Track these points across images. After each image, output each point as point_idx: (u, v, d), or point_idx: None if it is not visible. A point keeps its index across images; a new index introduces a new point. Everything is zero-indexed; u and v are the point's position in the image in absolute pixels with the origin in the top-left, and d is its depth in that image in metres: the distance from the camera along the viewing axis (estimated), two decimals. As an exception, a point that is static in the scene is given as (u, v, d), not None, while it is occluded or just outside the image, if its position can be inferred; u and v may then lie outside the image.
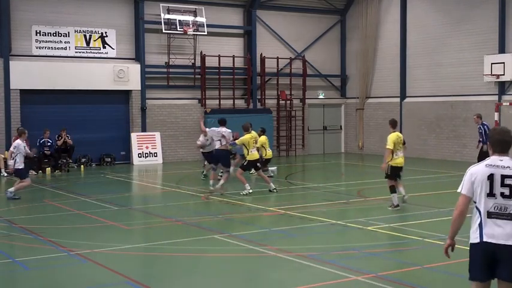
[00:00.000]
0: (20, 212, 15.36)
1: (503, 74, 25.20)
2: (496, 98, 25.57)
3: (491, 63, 25.54)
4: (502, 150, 5.93)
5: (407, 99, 30.13)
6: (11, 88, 25.64)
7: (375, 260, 10.13)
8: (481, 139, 19.69)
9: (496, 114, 21.86)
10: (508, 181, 5.76)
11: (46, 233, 12.39)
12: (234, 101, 30.69)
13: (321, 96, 33.17)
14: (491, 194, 5.81)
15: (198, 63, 29.65)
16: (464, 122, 27.07)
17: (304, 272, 9.46)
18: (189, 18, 28.85)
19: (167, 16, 28.40)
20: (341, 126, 33.81)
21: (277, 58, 31.49)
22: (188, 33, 28.68)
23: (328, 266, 9.62)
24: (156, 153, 28.03)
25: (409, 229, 12.40)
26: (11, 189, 17.01)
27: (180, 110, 29.23)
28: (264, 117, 29.46)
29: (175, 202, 16.51)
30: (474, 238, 5.93)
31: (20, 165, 17.05)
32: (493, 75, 25.46)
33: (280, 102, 31.81)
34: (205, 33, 29.12)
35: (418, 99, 29.44)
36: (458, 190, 6.08)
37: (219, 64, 29.98)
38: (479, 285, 5.94)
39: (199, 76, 29.74)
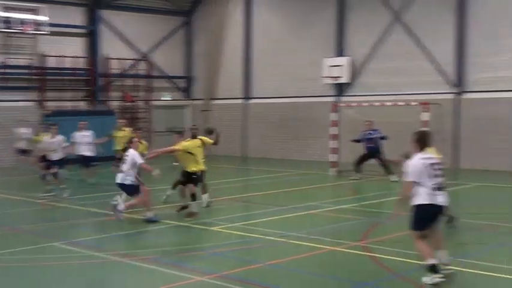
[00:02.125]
0: None
1: (341, 77, 26.49)
2: (334, 99, 26.73)
3: (329, 66, 26.75)
4: (426, 146, 8.41)
5: (252, 101, 30.75)
6: None
7: (219, 259, 10.18)
8: (368, 144, 20.28)
9: (334, 114, 22.86)
10: (437, 166, 8.37)
11: None
12: (74, 103, 29.67)
13: (165, 98, 33.01)
14: (431, 176, 8.25)
15: (37, 64, 28.41)
16: (306, 123, 28.07)
17: (149, 275, 9.31)
18: (29, 16, 27.52)
19: (3, 14, 26.89)
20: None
21: (122, 59, 30.94)
22: (27, 32, 27.37)
23: (172, 268, 9.54)
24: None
25: (253, 228, 12.61)
26: None
27: (19, 112, 27.66)
28: (108, 119, 28.75)
29: (12, 209, 15.65)
30: (423, 200, 8.25)
31: None
32: (331, 77, 26.66)
33: (125, 104, 31.26)
34: (46, 32, 27.92)
35: (263, 101, 30.14)
36: (408, 179, 8.26)
37: (60, 65, 28.91)
38: (423, 234, 8.35)
39: (39, 77, 28.50)
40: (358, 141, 20.77)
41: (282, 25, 29.50)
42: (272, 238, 11.53)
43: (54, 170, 17.48)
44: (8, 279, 9.17)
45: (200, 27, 33.22)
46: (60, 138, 18.11)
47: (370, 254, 10.21)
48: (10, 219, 14.35)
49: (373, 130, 20.46)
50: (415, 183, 8.22)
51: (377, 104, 22.60)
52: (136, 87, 31.64)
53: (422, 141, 8.40)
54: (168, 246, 11.30)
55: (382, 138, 20.28)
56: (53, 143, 17.80)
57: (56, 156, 17.74)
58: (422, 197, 8.24)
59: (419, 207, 8.28)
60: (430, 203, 8.25)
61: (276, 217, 13.91)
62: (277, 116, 29.48)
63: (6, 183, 21.58)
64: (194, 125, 16.57)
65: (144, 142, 16.78)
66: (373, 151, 20.34)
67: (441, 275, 8.19)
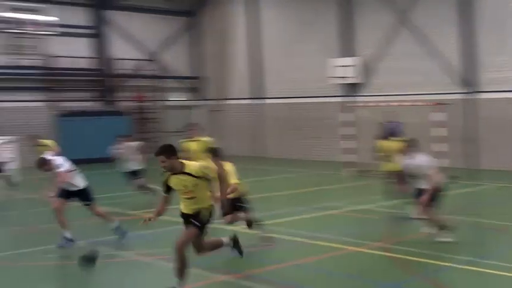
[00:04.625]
0: None
1: (349, 77, 26.35)
2: (344, 99, 26.61)
3: (337, 66, 26.55)
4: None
5: (262, 101, 30.64)
6: None
7: (243, 259, 10.10)
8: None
9: (343, 114, 22.77)
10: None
11: None
12: (85, 104, 29.71)
13: (175, 98, 32.99)
14: None
15: (46, 64, 28.44)
16: (318, 123, 27.96)
17: (168, 274, 9.25)
18: (35, 17, 27.58)
19: (11, 15, 26.93)
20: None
21: (130, 59, 30.94)
22: (35, 32, 27.40)
23: (196, 267, 9.47)
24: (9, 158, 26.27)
25: (273, 228, 12.49)
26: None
27: (30, 113, 27.75)
28: (118, 119, 28.79)
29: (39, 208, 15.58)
30: None
31: None
32: (338, 77, 26.51)
33: (134, 104, 31.24)
34: (55, 33, 27.98)
35: (272, 101, 30.02)
36: None
37: (69, 65, 28.93)
38: None
39: (48, 77, 28.54)
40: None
41: (290, 24, 29.34)
42: (293, 238, 11.46)
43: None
44: (34, 276, 9.16)
45: (207, 27, 33.18)
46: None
47: (392, 255, 10.11)
48: (37, 218, 14.43)
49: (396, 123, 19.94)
50: None
51: (383, 104, 22.45)
52: (145, 88, 31.62)
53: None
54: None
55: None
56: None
57: None
58: None
59: None
60: None
61: (296, 217, 13.83)
62: (288, 116, 29.36)
63: (29, 183, 21.56)
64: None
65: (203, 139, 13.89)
66: None
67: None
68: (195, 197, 7.94)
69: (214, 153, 10.43)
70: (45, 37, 28.22)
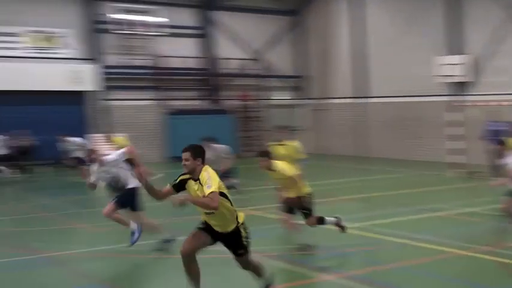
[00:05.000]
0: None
1: (457, 75, 25.65)
2: (451, 98, 25.96)
3: (443, 64, 25.91)
4: None
5: (366, 100, 30.36)
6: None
7: (343, 259, 10.15)
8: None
9: (450, 114, 22.22)
10: None
11: (17, 235, 12.18)
12: (192, 102, 30.55)
13: (279, 97, 33.25)
14: None
15: (156, 64, 29.48)
16: (421, 122, 27.43)
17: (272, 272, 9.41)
18: (146, 18, 28.68)
19: (124, 16, 28.14)
20: (300, 127, 33.90)
21: (235, 59, 31.50)
22: (146, 33, 28.49)
23: (296, 265, 9.60)
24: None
25: (375, 228, 12.45)
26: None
27: (141, 111, 28.95)
28: (223, 118, 29.42)
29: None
30: None
31: None
32: (445, 76, 25.85)
33: (239, 103, 31.77)
34: (164, 33, 28.97)
35: (377, 100, 29.69)
36: None
37: (177, 65, 29.84)
38: None
39: (158, 77, 29.57)
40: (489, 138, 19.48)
41: (393, 22, 28.90)
42: (396, 240, 11.35)
43: None
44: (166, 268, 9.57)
45: (311, 26, 33.24)
46: None
47: (500, 259, 9.83)
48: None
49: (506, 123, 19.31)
50: None
51: (494, 103, 21.72)
52: (250, 87, 32.08)
53: None
54: (290, 244, 11.34)
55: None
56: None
57: None
58: None
59: None
60: None
61: (399, 218, 13.67)
62: (392, 115, 28.96)
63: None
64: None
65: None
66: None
67: None
68: (213, 212, 6.95)
69: (269, 156, 10.27)
70: (155, 38, 29.25)
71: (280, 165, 10.26)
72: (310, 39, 33.47)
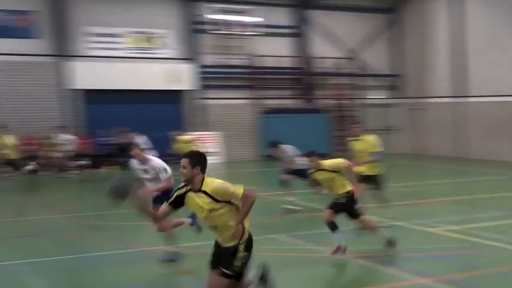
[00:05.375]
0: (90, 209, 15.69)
1: None
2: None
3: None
4: None
5: (465, 99, 29.53)
6: (67, 88, 26.37)
7: (439, 263, 9.93)
8: None
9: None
10: None
11: (114, 229, 12.65)
12: (286, 101, 30.70)
13: (374, 96, 32.86)
14: None
15: (251, 64, 29.83)
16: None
17: (368, 273, 9.35)
18: (242, 18, 29.07)
19: (220, 17, 28.66)
20: (395, 127, 33.40)
21: (330, 58, 31.38)
22: (241, 33, 28.89)
23: (391, 268, 9.50)
24: (212, 152, 28.01)
25: (474, 232, 12.11)
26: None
27: (235, 110, 29.41)
28: (317, 117, 29.38)
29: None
30: None
31: None
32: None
33: (333, 102, 31.64)
34: (259, 33, 29.28)
35: (477, 100, 28.80)
36: None
37: (271, 64, 30.06)
38: None
39: (253, 76, 29.91)
40: None
41: (494, 19, 27.89)
42: (495, 244, 10.98)
43: None
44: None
45: (408, 24, 32.65)
46: None
47: None
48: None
49: None
50: None
51: None
52: (344, 86, 31.88)
53: None
54: (384, 246, 11.20)
55: None
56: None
57: None
58: None
59: None
60: None
61: (497, 222, 13.18)
62: (493, 115, 28.00)
63: (229, 177, 22.82)
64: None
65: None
66: None
67: None
68: (216, 226, 6.27)
69: (316, 155, 10.10)
70: (251, 37, 29.61)
71: (329, 161, 10.12)
72: (406, 37, 32.89)
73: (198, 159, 6.22)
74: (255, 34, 29.55)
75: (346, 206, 10.01)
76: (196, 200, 6.19)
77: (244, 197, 6.14)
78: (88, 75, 26.57)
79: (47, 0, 26.42)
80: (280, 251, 10.64)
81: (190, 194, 6.23)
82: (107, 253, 10.71)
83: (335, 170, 10.02)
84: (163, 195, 9.32)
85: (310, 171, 10.27)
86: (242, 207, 6.20)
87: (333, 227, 9.94)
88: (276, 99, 30.32)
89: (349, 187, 10.11)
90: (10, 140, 20.17)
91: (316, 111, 30.54)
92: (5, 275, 9.37)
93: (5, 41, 25.44)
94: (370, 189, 12.29)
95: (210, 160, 21.11)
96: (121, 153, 25.27)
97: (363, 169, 11.87)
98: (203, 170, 6.20)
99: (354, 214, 10.08)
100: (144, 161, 9.93)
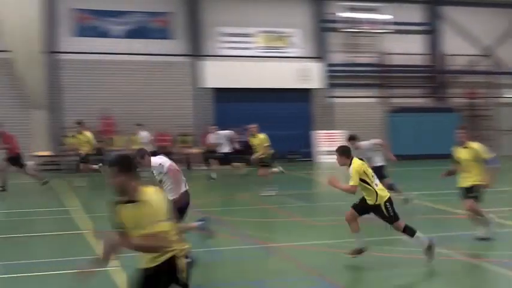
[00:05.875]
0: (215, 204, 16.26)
1: None
2: None
3: None
4: None
5: None
6: (200, 87, 27.32)
7: None
8: None
9: None
10: None
11: (238, 224, 13.05)
12: (415, 100, 30.09)
13: (510, 95, 31.41)
14: None
15: (380, 62, 29.50)
16: None
17: (497, 279, 9.07)
18: (372, 16, 28.83)
19: (349, 14, 28.57)
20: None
21: (463, 55, 30.37)
22: (371, 31, 28.65)
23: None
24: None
25: None
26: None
27: (363, 109, 29.19)
28: (449, 116, 28.53)
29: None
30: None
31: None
32: None
33: (466, 101, 30.62)
34: (389, 30, 28.90)
35: None
36: None
37: (402, 62, 29.57)
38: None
39: (382, 74, 29.57)
40: None
41: None
42: None
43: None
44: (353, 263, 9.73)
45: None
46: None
47: None
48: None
49: None
50: None
51: None
52: (478, 84, 30.75)
53: None
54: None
55: None
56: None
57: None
58: None
59: None
60: None
61: None
62: None
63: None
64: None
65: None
66: None
67: None
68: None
69: (345, 152, 9.53)
70: (381, 35, 29.27)
71: (356, 161, 9.49)
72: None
73: (127, 164, 5.13)
74: (384, 32, 29.18)
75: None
76: (134, 212, 5.01)
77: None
78: (219, 74, 27.40)
79: (182, 2, 27.49)
80: (405, 252, 10.49)
81: (125, 207, 5.07)
82: (234, 248, 11.04)
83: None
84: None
85: None
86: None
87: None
88: (405, 98, 29.76)
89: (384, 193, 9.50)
90: (86, 136, 19.43)
91: (447, 110, 29.66)
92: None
93: (143, 41, 26.75)
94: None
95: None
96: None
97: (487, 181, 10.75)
98: (135, 175, 5.11)
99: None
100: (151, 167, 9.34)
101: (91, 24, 26.52)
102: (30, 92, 25.03)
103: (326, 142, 27.78)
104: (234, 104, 27.57)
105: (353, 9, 28.95)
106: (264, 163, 17.47)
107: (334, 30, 29.12)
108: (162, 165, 9.30)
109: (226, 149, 21.19)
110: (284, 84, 28.21)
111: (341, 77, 29.04)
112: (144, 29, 27.06)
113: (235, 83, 27.55)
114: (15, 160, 18.15)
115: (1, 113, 23.85)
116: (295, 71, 28.32)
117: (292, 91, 28.57)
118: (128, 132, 25.61)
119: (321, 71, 28.80)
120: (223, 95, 27.55)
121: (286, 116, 28.24)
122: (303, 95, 28.92)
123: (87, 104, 25.37)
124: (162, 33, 27.26)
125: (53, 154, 24.60)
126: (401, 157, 17.36)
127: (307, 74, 28.48)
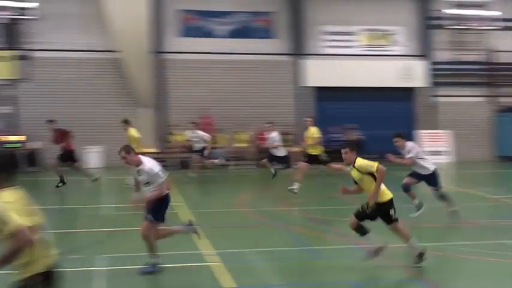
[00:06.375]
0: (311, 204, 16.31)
1: None
2: None
3: None
4: None
5: None
6: (301, 86, 27.45)
7: None
8: None
9: None
10: None
11: (334, 224, 13.07)
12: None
13: None
14: None
15: (488, 60, 28.55)
16: None
17: None
18: (479, 12, 27.94)
19: (456, 11, 27.84)
20: None
21: None
22: (478, 28, 27.79)
23: None
24: (442, 151, 27.30)
25: None
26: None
27: (468, 108, 28.34)
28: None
29: (466, 204, 15.92)
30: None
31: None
32: None
33: None
34: (497, 27, 27.92)
35: None
36: None
37: (510, 60, 28.50)
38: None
39: (489, 73, 28.60)
40: None
41: None
42: None
43: None
44: (454, 267, 9.51)
45: None
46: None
47: None
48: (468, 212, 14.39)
49: None
50: None
51: None
52: None
53: None
54: None
55: None
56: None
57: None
58: None
59: None
60: None
61: None
62: None
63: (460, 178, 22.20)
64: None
65: None
66: None
67: None
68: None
69: (353, 148, 9.17)
70: (488, 32, 28.31)
71: (362, 160, 9.15)
72: None
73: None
74: (492, 28, 28.17)
75: None
76: None
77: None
78: (320, 73, 27.43)
79: (285, 1, 27.69)
80: (503, 257, 10.17)
81: None
82: (333, 247, 11.07)
83: None
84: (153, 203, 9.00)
85: None
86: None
87: None
88: (513, 97, 28.69)
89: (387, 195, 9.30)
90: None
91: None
92: (239, 262, 10.02)
93: (247, 41, 27.15)
94: None
95: (440, 160, 20.63)
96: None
97: None
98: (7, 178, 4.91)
99: None
100: (135, 165, 9.05)
101: (196, 25, 27.20)
102: (137, 91, 25.96)
103: (429, 142, 27.13)
104: (336, 103, 27.49)
105: (460, 6, 28.15)
106: (313, 159, 17.37)
107: (439, 27, 28.42)
108: (158, 175, 9.01)
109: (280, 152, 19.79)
110: (387, 83, 27.87)
111: (446, 75, 28.31)
112: (247, 29, 27.47)
113: (337, 82, 27.49)
114: (68, 157, 18.39)
115: (110, 110, 24.95)
116: (399, 69, 27.91)
117: (395, 90, 28.16)
118: (229, 130, 26.17)
119: (425, 69, 28.23)
120: (325, 93, 27.54)
121: (388, 115, 27.82)
122: (406, 94, 28.44)
123: (191, 103, 26.02)
124: (264, 33, 27.58)
125: (158, 151, 25.41)
126: (506, 159, 16.82)
127: (410, 73, 28.00)
